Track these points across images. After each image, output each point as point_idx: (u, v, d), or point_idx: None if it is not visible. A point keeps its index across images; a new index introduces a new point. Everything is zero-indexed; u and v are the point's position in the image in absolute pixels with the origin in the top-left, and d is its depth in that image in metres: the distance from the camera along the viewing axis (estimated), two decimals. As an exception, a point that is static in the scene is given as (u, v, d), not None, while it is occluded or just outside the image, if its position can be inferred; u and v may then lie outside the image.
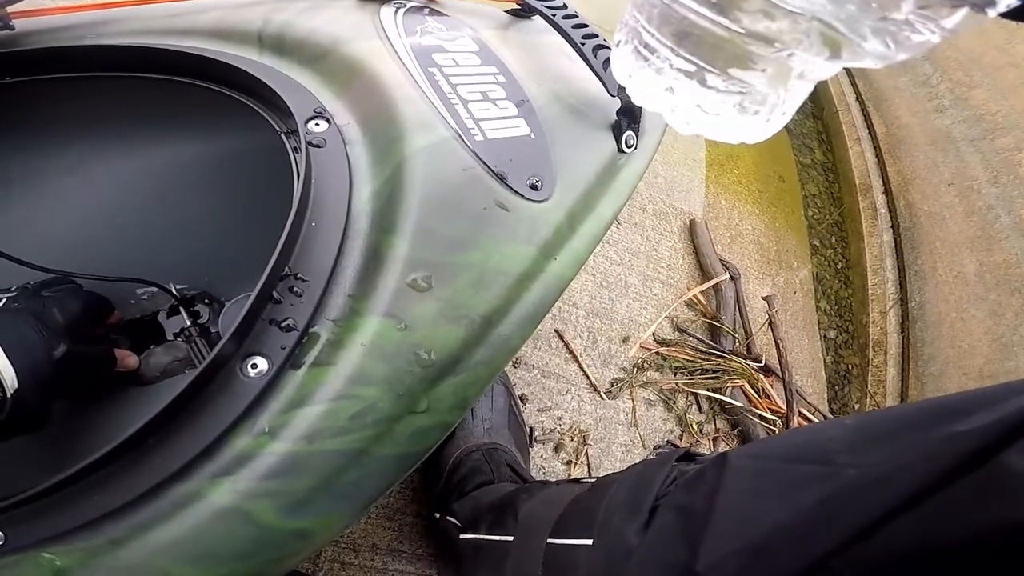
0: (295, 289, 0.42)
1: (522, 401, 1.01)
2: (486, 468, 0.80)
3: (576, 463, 1.02)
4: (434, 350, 0.44)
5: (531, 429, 1.00)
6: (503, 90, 0.57)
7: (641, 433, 1.13)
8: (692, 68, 0.37)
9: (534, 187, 0.51)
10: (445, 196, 0.48)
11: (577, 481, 0.69)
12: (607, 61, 0.59)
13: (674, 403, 1.19)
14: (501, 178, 0.50)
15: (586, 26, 0.63)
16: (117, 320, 0.65)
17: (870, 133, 1.98)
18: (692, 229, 1.43)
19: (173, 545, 0.37)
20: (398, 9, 0.62)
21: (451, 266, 0.46)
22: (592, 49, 0.61)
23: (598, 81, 0.60)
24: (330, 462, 0.40)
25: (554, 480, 0.87)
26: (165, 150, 0.67)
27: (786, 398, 1.23)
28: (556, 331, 1.12)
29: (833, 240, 1.83)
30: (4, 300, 0.52)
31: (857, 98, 2.08)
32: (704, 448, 1.18)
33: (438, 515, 0.80)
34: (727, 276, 1.36)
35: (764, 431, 1.21)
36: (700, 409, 1.23)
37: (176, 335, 0.67)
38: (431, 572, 0.85)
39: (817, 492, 0.38)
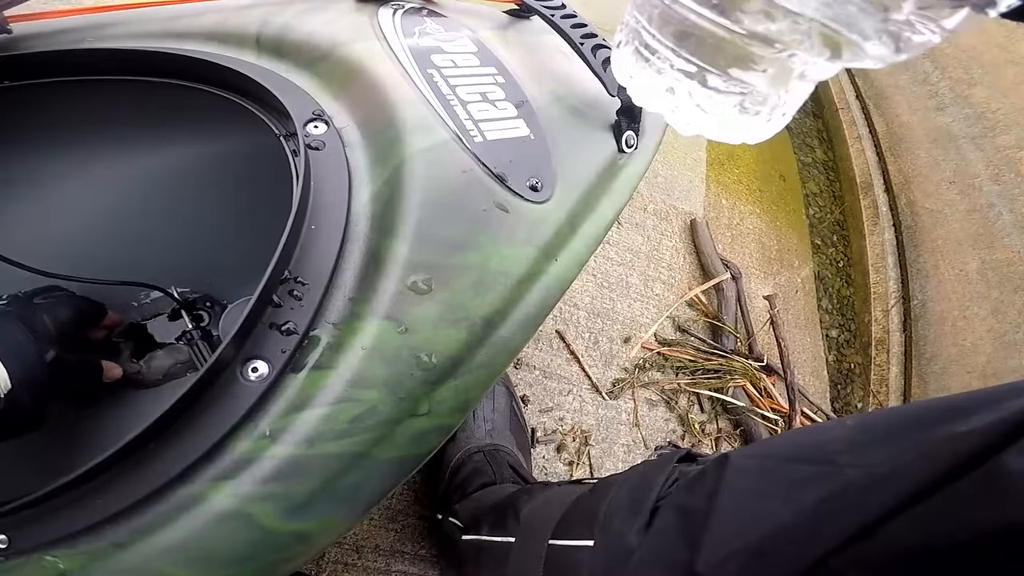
0: (295, 293, 0.42)
1: (524, 402, 1.01)
2: (488, 469, 0.80)
3: (578, 464, 1.02)
4: (435, 353, 0.44)
5: (533, 430, 1.00)
6: (502, 91, 0.57)
7: (643, 433, 1.13)
8: (693, 69, 0.37)
9: (534, 188, 0.51)
10: (445, 198, 0.48)
11: (579, 482, 0.69)
12: (606, 61, 0.59)
13: (676, 403, 1.19)
14: (501, 179, 0.50)
15: (585, 26, 0.63)
16: (115, 322, 0.65)
17: (871, 131, 1.98)
18: (693, 229, 1.43)
19: (175, 548, 0.37)
20: (396, 10, 0.62)
21: (451, 268, 0.46)
22: (591, 49, 0.60)
23: (598, 81, 0.60)
24: (331, 465, 0.40)
25: (556, 481, 0.87)
26: (164, 153, 0.67)
27: (788, 397, 1.23)
28: (557, 332, 1.12)
29: (834, 239, 1.83)
30: None
31: (857, 96, 2.08)
32: (706, 448, 1.18)
33: (440, 516, 0.80)
34: (728, 276, 1.36)
35: (766, 431, 1.21)
36: (702, 409, 1.23)
37: (178, 338, 0.67)
38: (433, 573, 0.85)
39: (818, 492, 0.38)
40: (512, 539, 0.63)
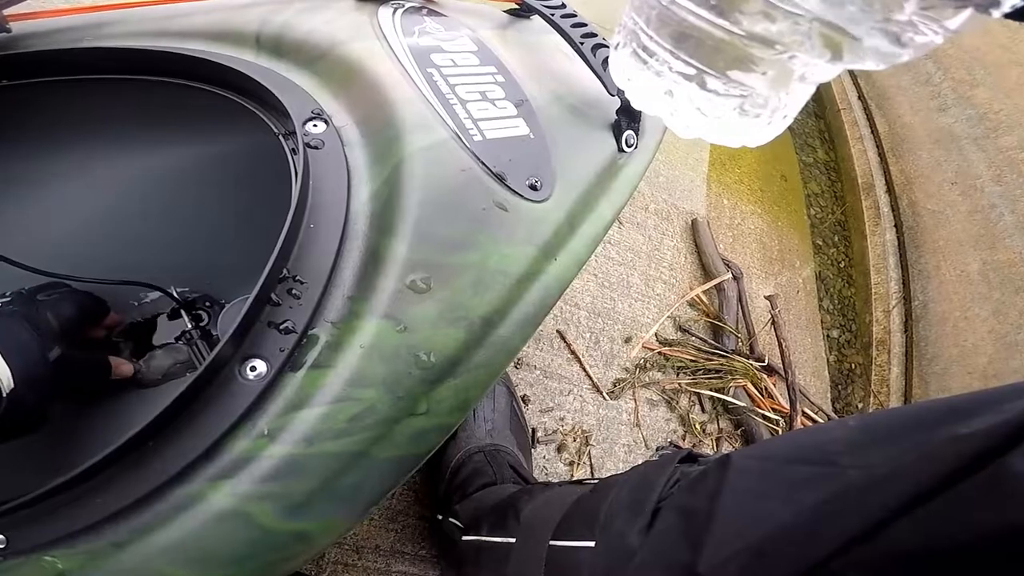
0: (293, 291, 0.42)
1: (524, 402, 1.01)
2: (488, 469, 0.80)
3: (578, 464, 1.02)
4: (433, 352, 0.44)
5: (533, 430, 1.00)
6: (502, 90, 0.57)
7: (644, 433, 1.13)
8: (691, 71, 0.37)
9: (533, 187, 0.51)
10: (444, 197, 0.48)
11: (579, 482, 0.69)
12: (606, 60, 0.59)
13: (677, 403, 1.19)
14: (500, 178, 0.50)
15: (585, 25, 0.63)
16: (115, 322, 0.65)
17: (872, 132, 1.98)
18: (694, 228, 1.43)
19: (174, 548, 0.37)
20: (396, 9, 0.62)
21: (450, 267, 0.46)
22: (591, 48, 0.60)
23: (597, 80, 0.60)
24: (330, 464, 0.40)
25: (556, 481, 0.87)
26: (163, 152, 0.66)
27: (789, 398, 1.23)
28: (558, 331, 1.12)
29: (836, 239, 1.82)
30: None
31: (859, 97, 2.08)
32: (707, 448, 1.18)
33: (440, 516, 0.80)
34: (729, 276, 1.36)
35: (767, 431, 1.21)
36: (703, 409, 1.22)
37: (177, 338, 0.67)
38: (434, 574, 0.84)
39: (819, 493, 0.37)
40: (512, 540, 0.63)
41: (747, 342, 1.32)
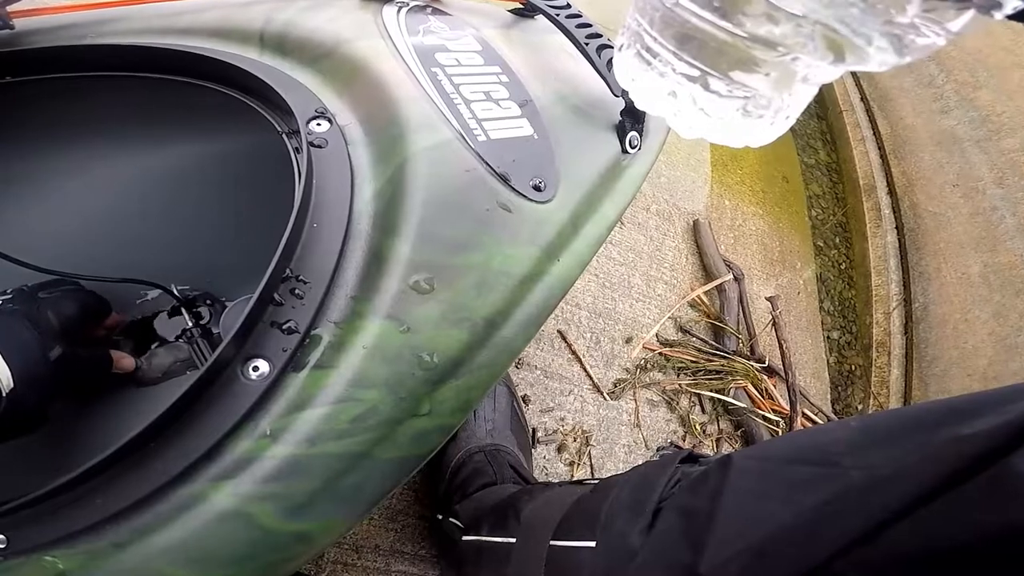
0: (296, 291, 0.42)
1: (525, 402, 1.01)
2: (489, 469, 0.80)
3: (579, 464, 1.02)
4: (436, 352, 0.44)
5: (534, 430, 1.00)
6: (506, 90, 0.57)
7: (644, 434, 1.13)
8: (695, 72, 0.37)
9: (537, 188, 0.51)
10: (447, 197, 0.48)
11: (580, 482, 0.69)
12: (611, 61, 0.59)
13: (677, 404, 1.19)
14: (504, 179, 0.50)
15: (590, 26, 0.63)
16: (116, 322, 0.65)
17: (874, 133, 1.98)
18: (696, 229, 1.43)
19: (175, 548, 0.37)
20: (400, 8, 0.62)
21: (453, 268, 0.46)
22: (596, 49, 0.60)
23: (602, 81, 0.60)
24: (332, 465, 0.40)
25: (557, 481, 0.87)
26: (166, 150, 0.66)
27: (789, 399, 1.23)
28: (559, 332, 1.12)
29: (837, 241, 1.82)
30: (0, 302, 0.52)
31: (862, 98, 2.07)
32: (707, 449, 1.18)
33: (440, 516, 0.80)
34: (730, 277, 1.36)
35: (767, 432, 1.21)
36: (703, 410, 1.22)
37: (178, 336, 0.67)
38: (433, 573, 0.84)
39: (821, 494, 0.37)
40: (513, 540, 0.62)
41: (748, 343, 1.32)
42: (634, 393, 1.15)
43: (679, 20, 0.35)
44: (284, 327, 0.41)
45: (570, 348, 1.11)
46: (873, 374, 1.55)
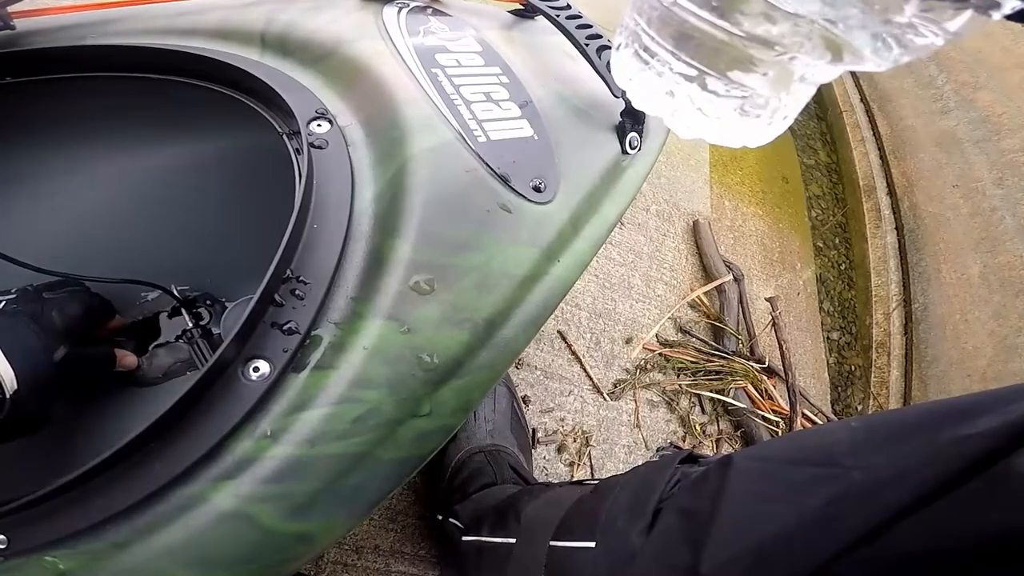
0: (297, 292, 0.42)
1: (525, 402, 1.01)
2: (489, 470, 0.80)
3: (579, 464, 1.02)
4: (437, 353, 0.44)
5: (534, 430, 1.00)
6: (506, 91, 0.57)
7: (644, 434, 1.13)
8: (692, 72, 0.37)
9: (537, 189, 0.51)
10: (448, 198, 0.48)
11: (580, 483, 0.69)
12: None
13: (677, 404, 1.19)
14: (504, 180, 0.50)
15: (590, 26, 0.63)
16: (117, 325, 0.65)
17: (874, 134, 1.98)
18: (695, 230, 1.43)
19: (176, 549, 0.37)
20: (401, 9, 0.62)
21: (454, 269, 0.46)
22: (596, 50, 0.60)
23: (602, 82, 0.60)
24: (332, 466, 0.40)
25: (557, 482, 0.87)
26: (167, 151, 0.66)
27: (789, 399, 1.23)
28: (559, 332, 1.12)
29: (837, 241, 1.83)
30: (3, 303, 0.52)
31: (861, 99, 2.08)
32: (707, 449, 1.18)
33: (440, 517, 0.80)
34: (730, 277, 1.36)
35: (767, 432, 1.21)
36: (703, 410, 1.22)
37: (178, 337, 0.67)
38: (433, 574, 0.84)
39: (822, 494, 0.37)
40: (513, 540, 0.62)
41: (747, 344, 1.32)
42: (634, 393, 1.15)
43: (677, 19, 0.35)
44: (285, 328, 0.41)
45: (570, 349, 1.11)
46: (873, 375, 1.55)
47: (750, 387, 1.25)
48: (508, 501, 0.70)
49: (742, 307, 1.35)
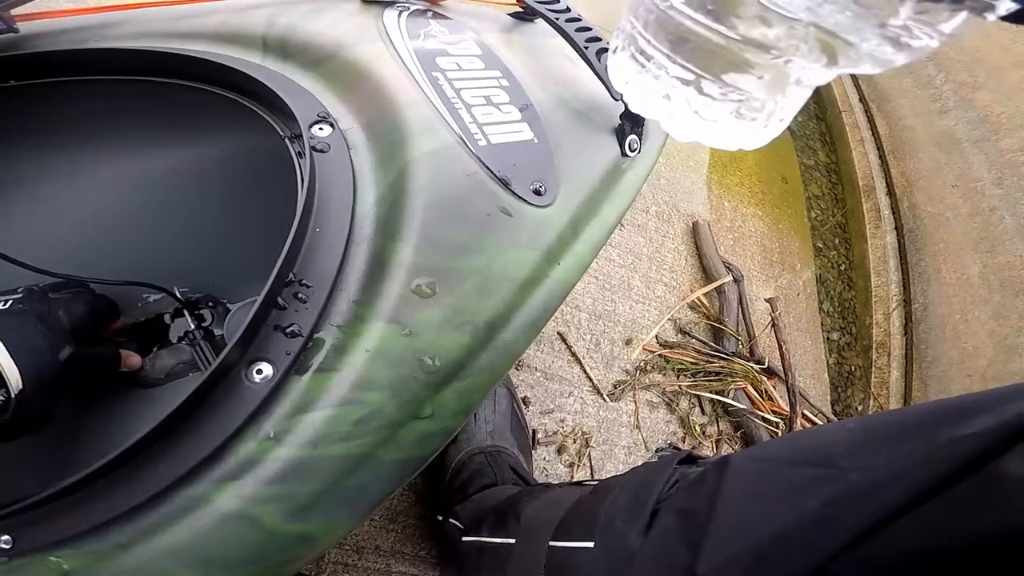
0: (300, 295, 0.43)
1: (525, 403, 1.01)
2: (489, 471, 0.80)
3: (579, 465, 1.02)
4: (438, 356, 0.44)
5: (534, 431, 1.01)
6: (506, 94, 0.57)
7: (644, 435, 1.13)
8: (689, 75, 0.37)
9: (537, 192, 0.52)
10: (449, 201, 0.48)
11: (580, 483, 0.70)
12: (610, 65, 0.59)
13: (677, 405, 1.19)
14: (504, 183, 0.50)
15: (589, 29, 0.63)
16: (121, 326, 0.66)
17: (873, 134, 1.98)
18: (695, 231, 1.43)
19: (179, 549, 0.38)
20: (401, 12, 0.62)
21: (455, 272, 0.46)
22: (596, 52, 0.61)
23: (601, 85, 0.60)
24: (335, 467, 0.40)
25: (557, 482, 0.87)
26: (170, 153, 0.67)
27: (789, 400, 1.23)
28: (559, 333, 1.12)
29: (836, 242, 1.83)
30: (10, 302, 0.52)
31: (860, 99, 2.08)
32: (707, 450, 1.18)
33: (441, 517, 0.80)
34: (730, 278, 1.36)
35: (767, 433, 1.21)
36: (703, 411, 1.23)
37: (180, 338, 0.67)
38: (434, 574, 0.85)
39: (820, 495, 0.38)
40: (513, 541, 0.63)
41: (747, 344, 1.32)
42: (634, 395, 1.15)
43: (673, 23, 0.36)
44: (287, 331, 0.42)
45: (570, 350, 1.12)
46: (873, 375, 1.56)
47: (750, 388, 1.25)
48: (508, 502, 0.70)
49: (742, 308, 1.36)
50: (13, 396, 0.45)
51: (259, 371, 0.40)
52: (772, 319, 1.31)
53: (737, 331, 1.31)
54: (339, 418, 0.41)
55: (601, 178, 0.57)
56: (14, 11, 0.56)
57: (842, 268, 1.78)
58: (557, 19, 0.64)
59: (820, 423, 1.29)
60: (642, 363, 1.19)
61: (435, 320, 0.44)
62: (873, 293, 1.66)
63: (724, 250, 1.46)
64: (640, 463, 0.99)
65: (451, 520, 0.77)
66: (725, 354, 1.27)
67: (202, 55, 0.54)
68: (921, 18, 0.28)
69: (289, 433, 0.40)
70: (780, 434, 1.21)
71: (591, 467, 1.04)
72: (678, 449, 1.14)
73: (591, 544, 0.52)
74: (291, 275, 0.43)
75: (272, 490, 0.39)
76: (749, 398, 1.25)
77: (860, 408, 1.52)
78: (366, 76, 0.54)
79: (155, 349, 0.66)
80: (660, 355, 1.22)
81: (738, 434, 1.23)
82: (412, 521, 0.86)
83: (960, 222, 1.62)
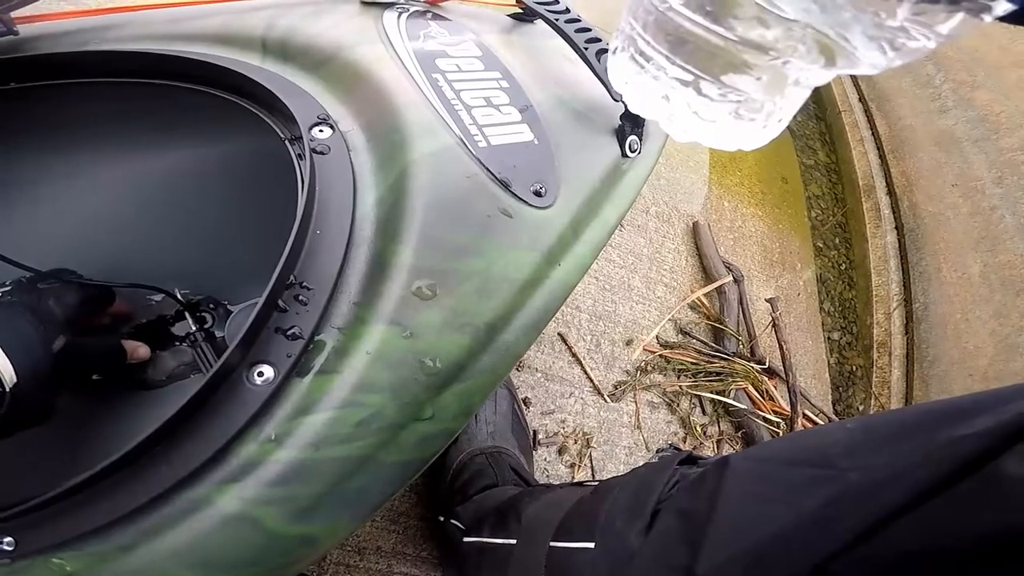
0: (300, 297, 0.43)
1: (526, 404, 1.01)
2: (490, 471, 0.80)
3: (580, 466, 1.02)
4: (439, 358, 0.44)
5: (535, 432, 1.01)
6: (506, 95, 0.57)
7: (645, 436, 1.13)
8: (688, 76, 0.37)
9: (538, 193, 0.52)
10: (449, 203, 0.48)
11: (580, 484, 0.70)
12: (610, 65, 0.60)
13: (678, 405, 1.19)
14: (505, 185, 0.50)
15: (589, 30, 0.63)
16: (121, 310, 0.65)
17: (873, 134, 1.98)
18: (695, 231, 1.43)
19: (181, 551, 0.38)
20: (401, 14, 0.62)
21: (455, 274, 0.46)
22: (595, 53, 0.61)
23: (601, 85, 0.60)
24: (336, 469, 0.40)
25: (557, 483, 0.87)
26: (170, 155, 0.67)
27: (790, 400, 1.23)
28: (559, 334, 1.12)
29: (837, 241, 1.83)
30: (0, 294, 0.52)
31: (860, 99, 2.08)
32: (708, 450, 1.18)
33: (442, 518, 0.80)
34: (730, 278, 1.36)
35: (768, 433, 1.21)
36: (704, 411, 1.23)
37: (181, 340, 0.67)
38: (435, 575, 0.85)
39: (819, 495, 0.38)
40: (513, 541, 0.63)
41: (748, 344, 1.32)
42: (635, 395, 1.15)
43: (672, 24, 0.36)
44: (288, 333, 0.42)
45: (571, 351, 1.12)
46: (874, 375, 1.56)
47: (751, 388, 1.25)
48: (509, 502, 0.70)
49: (742, 308, 1.36)
50: (7, 390, 0.44)
51: (260, 373, 0.40)
52: (773, 319, 1.31)
53: (738, 331, 1.31)
54: (340, 420, 0.41)
55: (601, 179, 0.57)
56: (14, 13, 0.56)
57: (843, 268, 1.78)
58: (556, 20, 0.64)
59: (821, 423, 1.29)
60: (643, 363, 1.19)
61: (436, 322, 0.44)
62: (874, 293, 1.66)
63: (724, 250, 1.46)
64: (641, 463, 0.99)
65: (452, 521, 0.77)
66: (726, 354, 1.27)
67: (202, 57, 0.54)
68: (918, 19, 0.28)
69: (290, 435, 0.40)
70: (781, 434, 1.22)
71: (592, 468, 1.04)
72: (679, 449, 1.14)
73: (591, 544, 0.52)
74: (292, 277, 0.43)
75: (273, 492, 0.39)
76: (750, 398, 1.25)
77: (861, 408, 1.52)
78: (366, 78, 0.54)
79: (156, 351, 0.66)
80: (661, 355, 1.22)
81: (739, 434, 1.23)
82: (413, 522, 0.86)
83: (960, 221, 1.62)
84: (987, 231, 1.55)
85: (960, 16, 0.28)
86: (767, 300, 1.37)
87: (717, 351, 1.28)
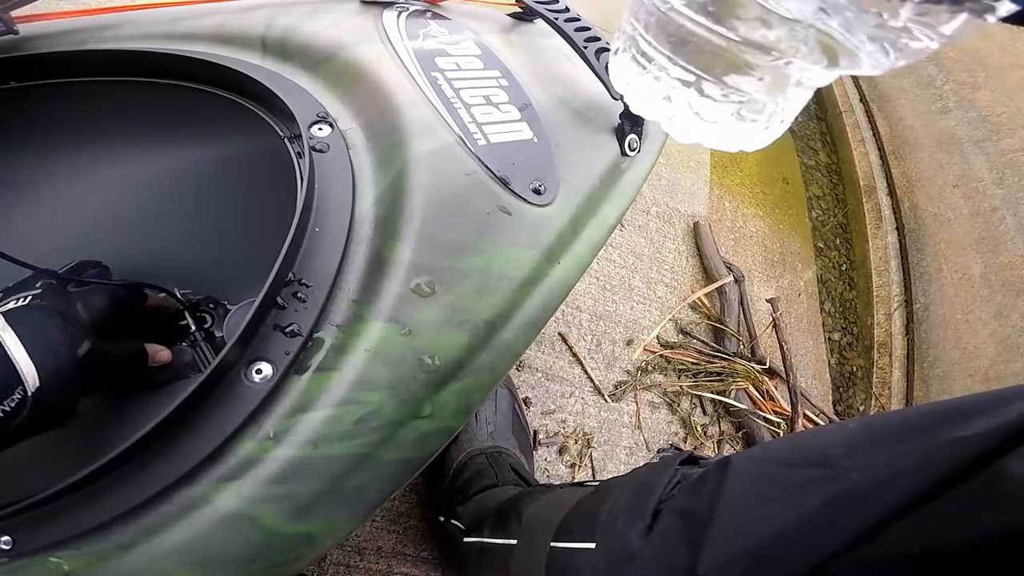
0: (299, 295, 0.43)
1: (526, 404, 1.01)
2: (490, 471, 0.80)
3: (580, 466, 1.02)
4: (438, 355, 0.44)
5: (535, 432, 1.00)
6: (506, 94, 0.57)
7: (645, 436, 1.13)
8: (689, 76, 0.37)
9: (537, 191, 0.52)
10: (448, 201, 0.48)
11: (581, 484, 0.69)
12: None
13: (678, 406, 1.19)
14: (504, 182, 0.50)
15: (588, 29, 0.63)
16: (158, 304, 0.64)
17: (874, 134, 1.98)
18: (696, 231, 1.43)
19: (179, 550, 0.38)
20: (400, 12, 0.62)
21: (454, 271, 0.46)
22: (595, 52, 0.61)
23: (601, 84, 0.60)
24: (335, 467, 0.40)
25: (558, 483, 0.87)
26: (169, 154, 0.67)
27: (790, 400, 1.23)
28: (560, 334, 1.12)
29: (837, 242, 1.83)
30: (29, 298, 0.52)
31: (861, 99, 2.08)
32: (708, 450, 1.18)
33: (442, 518, 0.80)
34: (731, 278, 1.36)
35: (768, 433, 1.21)
36: (704, 412, 1.23)
37: (181, 340, 0.67)
38: (435, 575, 0.85)
39: (820, 495, 0.38)
40: (514, 541, 0.63)
41: (748, 345, 1.32)
42: (635, 395, 1.15)
43: (674, 24, 0.36)
44: (287, 330, 0.42)
45: (571, 350, 1.12)
46: (875, 375, 1.55)
47: (751, 388, 1.25)
48: (509, 502, 0.70)
49: (743, 308, 1.36)
50: (30, 394, 0.43)
51: (259, 371, 0.40)
52: (773, 319, 1.31)
53: (738, 331, 1.31)
54: (339, 418, 0.41)
55: (601, 177, 0.57)
56: (14, 13, 0.56)
57: (843, 268, 1.78)
58: (556, 19, 0.64)
59: (822, 423, 1.29)
60: (643, 363, 1.19)
61: (434, 319, 0.44)
62: (874, 293, 1.66)
63: (725, 250, 1.46)
64: (641, 464, 0.99)
65: (452, 521, 0.77)
66: (726, 354, 1.27)
67: (201, 56, 0.54)
68: (921, 20, 0.28)
69: (289, 433, 0.40)
70: (782, 434, 1.21)
71: (592, 468, 1.04)
72: (679, 450, 1.14)
73: (592, 545, 0.52)
74: (290, 275, 0.43)
75: (272, 490, 0.39)
76: (750, 398, 1.25)
77: (862, 408, 1.52)
78: (365, 77, 0.54)
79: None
80: (661, 355, 1.22)
81: (740, 434, 1.23)
82: (414, 522, 0.86)
83: (961, 222, 1.62)
84: (988, 232, 1.55)
85: (963, 17, 0.27)
86: (768, 300, 1.37)
87: (718, 351, 1.27)
